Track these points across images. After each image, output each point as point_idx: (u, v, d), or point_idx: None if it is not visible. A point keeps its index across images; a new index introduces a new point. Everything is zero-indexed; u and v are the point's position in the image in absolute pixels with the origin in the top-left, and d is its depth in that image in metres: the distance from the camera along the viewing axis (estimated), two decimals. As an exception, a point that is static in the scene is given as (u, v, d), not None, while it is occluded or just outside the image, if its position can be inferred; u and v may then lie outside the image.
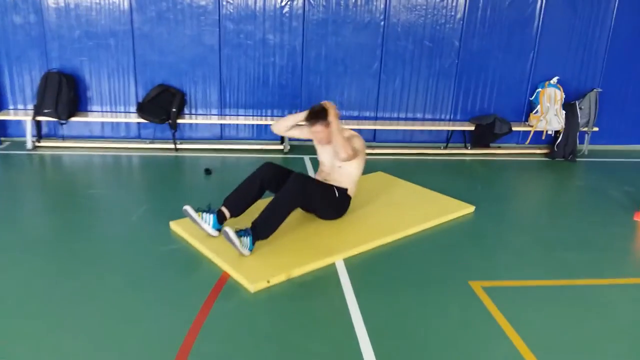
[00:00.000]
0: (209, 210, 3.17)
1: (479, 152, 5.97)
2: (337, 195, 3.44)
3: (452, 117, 6.09)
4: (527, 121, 6.15)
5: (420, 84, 5.88)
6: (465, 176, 5.13)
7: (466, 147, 6.01)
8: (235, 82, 5.54)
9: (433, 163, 5.58)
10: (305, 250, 3.08)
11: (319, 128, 3.37)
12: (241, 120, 5.49)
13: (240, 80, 5.54)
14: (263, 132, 5.78)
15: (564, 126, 5.86)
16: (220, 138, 5.72)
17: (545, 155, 6.11)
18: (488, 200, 4.32)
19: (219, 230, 3.17)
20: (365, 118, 5.90)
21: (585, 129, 6.06)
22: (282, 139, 5.70)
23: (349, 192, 3.55)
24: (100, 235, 3.30)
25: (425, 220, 3.68)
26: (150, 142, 5.43)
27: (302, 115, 3.47)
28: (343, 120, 5.72)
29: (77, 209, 3.72)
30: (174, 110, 5.18)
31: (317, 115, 3.33)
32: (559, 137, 5.91)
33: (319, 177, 3.63)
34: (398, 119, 5.96)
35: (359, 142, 3.44)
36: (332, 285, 2.82)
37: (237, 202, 3.28)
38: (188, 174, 4.77)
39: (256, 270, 2.82)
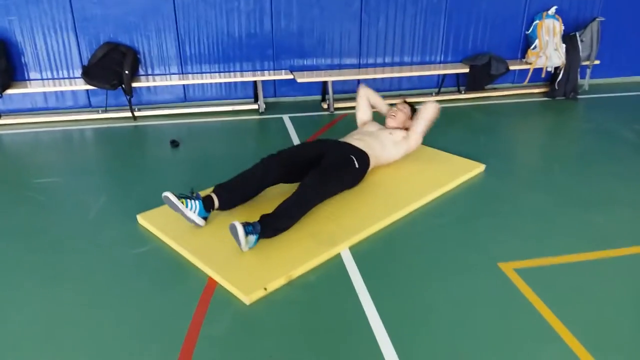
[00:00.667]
0: (193, 197, 2.67)
1: (473, 97, 5.52)
2: (356, 166, 3.09)
3: (442, 59, 5.56)
4: (524, 58, 5.69)
5: (406, 23, 5.29)
6: (463, 125, 4.69)
7: (460, 92, 5.54)
8: (195, 35, 4.84)
9: (426, 113, 5.09)
10: (303, 241, 2.63)
11: (405, 107, 3.67)
12: (206, 79, 4.83)
13: (201, 31, 4.84)
14: (233, 91, 5.15)
15: (564, 61, 5.42)
16: (184, 100, 5.08)
17: (544, 94, 5.71)
18: (494, 154, 3.92)
19: (206, 218, 2.69)
20: (347, 66, 5.31)
21: (587, 62, 5.64)
22: (255, 97, 5.10)
23: (370, 163, 3.24)
24: (52, 242, 2.75)
25: (436, 187, 3.25)
26: (104, 111, 4.76)
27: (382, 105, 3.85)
28: (320, 71, 5.14)
29: (20, 206, 3.13)
30: (126, 72, 4.49)
31: (410, 104, 3.73)
32: (559, 73, 5.48)
33: (344, 138, 3.36)
34: (384, 64, 5.40)
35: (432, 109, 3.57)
36: (341, 283, 2.40)
37: (231, 196, 2.80)
38: (151, 148, 4.18)
39: (249, 274, 2.36)
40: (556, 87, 5.49)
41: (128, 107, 4.72)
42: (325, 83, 5.12)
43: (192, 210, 2.63)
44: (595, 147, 4.18)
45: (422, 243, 2.75)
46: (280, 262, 2.45)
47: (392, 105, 3.80)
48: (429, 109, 3.48)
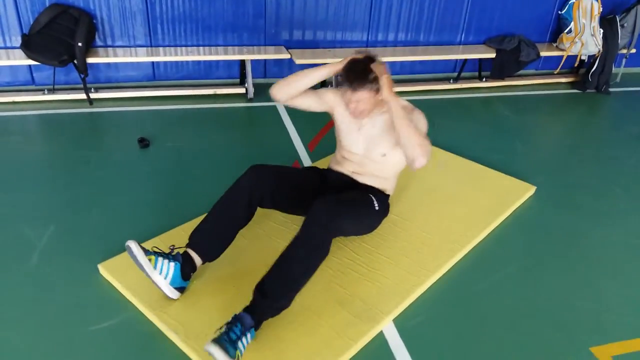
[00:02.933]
0: (169, 255, 1.96)
1: (495, 85, 4.91)
2: (376, 207, 2.28)
3: (463, 38, 4.89)
4: (554, 42, 5.08)
5: (424, -5, 4.57)
6: (491, 124, 4.09)
7: (480, 79, 4.91)
8: (169, -3, 3.99)
9: (441, 103, 4.47)
10: (332, 316, 1.99)
11: (364, 95, 2.14)
12: (181, 56, 4.01)
13: (176, -7, 4.00)
14: (214, 69, 4.36)
15: (601, 49, 4.85)
16: (153, 78, 4.26)
17: (571, 84, 5.16)
18: (539, 169, 3.37)
19: (183, 289, 1.99)
20: (353, 43, 4.58)
21: (624, 51, 5.09)
22: (241, 78, 4.33)
23: (389, 192, 2.44)
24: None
25: (485, 223, 2.66)
26: (50, 92, 3.90)
27: (328, 70, 2.26)
28: (322, 49, 4.41)
29: None
30: (79, 44, 3.63)
31: (362, 75, 2.10)
32: (593, 62, 4.91)
33: (336, 166, 2.45)
34: (395, 42, 4.69)
35: (423, 121, 2.24)
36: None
37: (212, 239, 2.09)
38: (113, 145, 3.38)
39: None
40: (589, 78, 4.93)
41: (82, 88, 3.87)
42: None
43: (163, 275, 1.92)
44: (652, 161, 3.67)
45: (483, 310, 2.15)
46: (305, 355, 1.81)
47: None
48: (386, 86, 2.09)
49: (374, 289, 2.13)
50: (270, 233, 2.40)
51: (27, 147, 3.28)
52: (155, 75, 4.24)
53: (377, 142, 2.29)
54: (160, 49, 4.07)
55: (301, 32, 4.40)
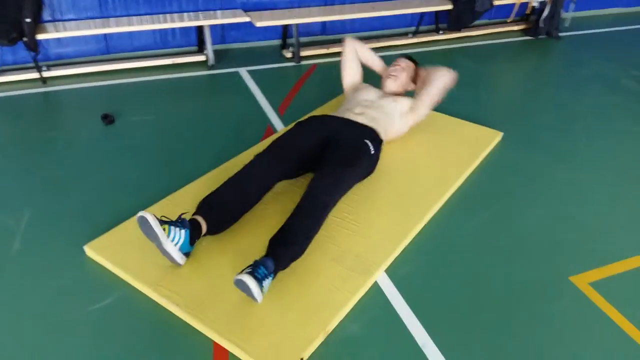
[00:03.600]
0: (178, 223, 1.95)
1: (452, 37, 4.96)
2: (372, 151, 2.47)
3: (417, -9, 4.88)
4: (506, -10, 5.15)
5: (379, -51, 4.51)
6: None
7: (438, 32, 4.94)
8: (116, -36, 3.78)
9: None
10: (328, 271, 2.04)
11: (408, 63, 3.05)
12: (136, 25, 3.84)
13: (123, -41, 3.79)
14: (170, 37, 4.21)
15: (551, -5, 4.95)
16: (106, 52, 4.08)
17: (524, 31, 5.27)
18: (503, 116, 3.51)
19: (188, 254, 1.99)
20: (310, 2, 4.50)
21: (572, -5, 5.22)
22: (199, 45, 4.21)
23: (382, 137, 2.66)
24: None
25: (461, 170, 2.75)
26: (-1, 73, 3.69)
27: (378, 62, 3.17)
28: (281, 10, 4.32)
29: None
30: (27, 20, 3.42)
31: (413, 59, 3.09)
32: (543, 9, 5.02)
33: (342, 113, 2.72)
34: (353, 0, 4.64)
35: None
36: (392, 328, 1.87)
37: (222, 215, 2.11)
38: (74, 124, 3.25)
39: (272, 338, 1.75)
40: (540, 24, 5.05)
41: (33, 66, 3.67)
42: (286, 26, 4.31)
43: (175, 242, 1.92)
44: (605, 101, 3.84)
45: (467, 253, 2.25)
46: (308, 311, 1.85)
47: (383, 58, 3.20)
48: (444, 78, 2.85)
49: (364, 243, 2.19)
50: (265, 200, 2.39)
51: (-16, 133, 3.11)
52: (109, 48, 4.05)
53: (392, 97, 2.85)
54: (112, 19, 3.89)
55: (257, -6, 4.29)
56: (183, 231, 1.93)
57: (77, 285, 1.99)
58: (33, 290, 1.96)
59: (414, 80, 3.04)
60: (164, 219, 1.95)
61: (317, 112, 3.24)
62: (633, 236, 2.42)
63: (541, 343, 1.84)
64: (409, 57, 3.11)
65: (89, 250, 2.11)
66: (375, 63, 3.14)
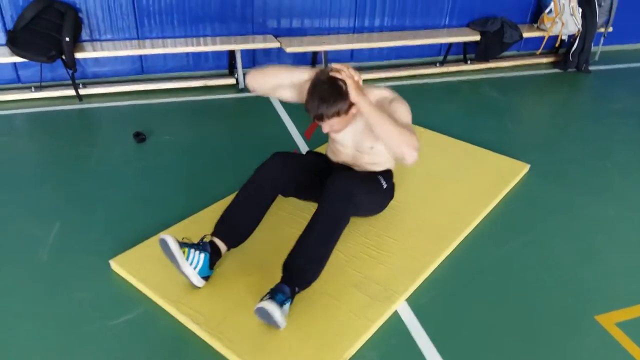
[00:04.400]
0: (199, 246, 1.97)
1: (479, 68, 4.97)
2: (384, 186, 2.33)
3: (447, 22, 4.92)
4: (534, 23, 5.15)
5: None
6: (480, 106, 4.14)
7: (465, 62, 4.96)
8: (155, -12, 3.92)
9: (430, 88, 4.51)
10: (348, 297, 2.03)
11: (333, 121, 2.06)
12: (170, 48, 3.96)
13: (162, -16, 3.92)
14: (202, 60, 4.31)
15: (580, 29, 4.94)
16: (141, 72, 4.20)
17: (553, 64, 5.25)
18: (531, 148, 3.46)
19: (207, 278, 2.01)
20: (340, 30, 4.58)
21: (602, 29, 5.18)
22: (230, 69, 4.30)
23: (391, 169, 2.46)
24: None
25: (486, 201, 2.72)
26: (38, 89, 3.82)
27: (300, 74, 2.13)
28: (311, 36, 4.39)
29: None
30: (67, 39, 3.56)
31: (328, 102, 1.98)
32: (573, 42, 5.00)
33: (333, 156, 2.46)
34: (382, 27, 4.70)
35: (405, 109, 2.15)
36: (410, 357, 1.84)
37: (236, 226, 2.11)
38: (108, 140, 3.34)
39: (291, 362, 1.74)
40: (570, 57, 5.02)
41: (70, 83, 3.80)
42: (315, 52, 4.38)
43: (194, 266, 1.93)
44: (635, 136, 3.77)
45: (490, 285, 2.21)
46: (327, 337, 1.84)
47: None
48: (358, 98, 2.00)
49: (386, 270, 2.17)
50: (281, 221, 2.41)
51: (21, 146, 3.22)
52: (144, 68, 4.18)
53: (363, 136, 2.23)
54: (148, 41, 4.01)
55: (289, 20, 4.37)
56: (202, 255, 1.95)
57: (101, 299, 2.02)
58: (58, 302, 2.00)
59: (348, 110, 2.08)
60: (185, 240, 1.97)
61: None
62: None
63: (565, 382, 1.79)
64: (319, 115, 2.05)
65: (115, 264, 2.15)
66: (285, 94, 2.25)
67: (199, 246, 1.96)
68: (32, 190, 2.71)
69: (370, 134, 2.17)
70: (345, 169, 2.36)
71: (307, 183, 2.26)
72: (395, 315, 2.02)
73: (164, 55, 4.15)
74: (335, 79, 2.00)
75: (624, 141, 3.68)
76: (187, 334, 1.88)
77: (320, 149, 2.97)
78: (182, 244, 1.93)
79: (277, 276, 1.96)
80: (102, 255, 2.21)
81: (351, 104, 2.03)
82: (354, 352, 1.83)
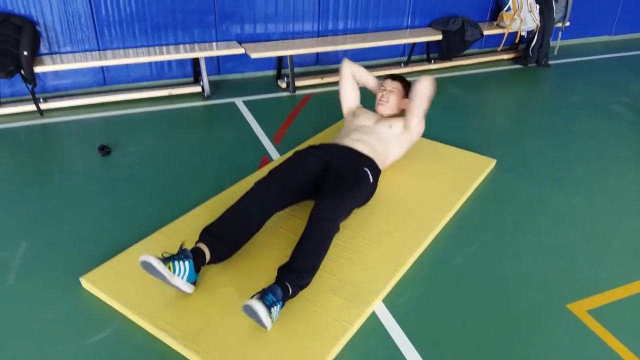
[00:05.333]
0: (180, 256, 1.95)
1: (443, 67, 5.05)
2: (371, 180, 2.51)
3: (409, 22, 4.99)
4: (495, 21, 5.27)
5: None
6: (445, 104, 4.21)
7: (429, 61, 5.03)
8: (114, -2, 3.85)
9: (397, 88, 4.54)
10: (326, 301, 2.03)
11: (396, 84, 3.03)
12: (132, 58, 3.89)
13: (121, -7, 3.85)
14: (166, 69, 4.26)
15: (539, 24, 5.07)
16: (103, 83, 4.12)
17: (514, 60, 5.38)
18: (495, 143, 3.54)
19: (195, 282, 2.00)
20: (304, 33, 4.58)
21: (559, 24, 5.34)
22: (195, 76, 4.26)
23: (380, 167, 2.70)
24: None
25: (456, 198, 2.76)
26: (-5, 105, 3.70)
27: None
28: (275, 41, 4.39)
29: None
30: (25, 53, 3.46)
31: (400, 77, 3.10)
32: (532, 38, 5.14)
33: (340, 140, 2.76)
34: (346, 30, 4.74)
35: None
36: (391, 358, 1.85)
37: (224, 244, 2.11)
38: (72, 156, 3.26)
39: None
40: (530, 53, 5.15)
41: (30, 99, 3.70)
42: (280, 57, 4.38)
43: (181, 275, 1.91)
44: (595, 127, 3.90)
45: (464, 281, 2.25)
46: (306, 342, 1.84)
47: (379, 78, 3.22)
48: (425, 86, 2.81)
49: (361, 272, 2.18)
50: (266, 230, 2.38)
51: (-20, 165, 3.11)
52: (106, 79, 4.10)
53: (387, 121, 2.87)
54: (109, 52, 3.94)
55: (252, 26, 4.36)
56: (187, 262, 1.92)
57: (73, 318, 1.97)
58: (28, 324, 1.94)
59: (405, 97, 3.01)
60: (165, 255, 1.95)
61: (312, 141, 3.27)
62: (629, 262, 2.43)
63: (540, 372, 1.83)
64: (395, 76, 3.11)
65: (85, 282, 2.10)
66: (370, 83, 3.18)
67: (181, 256, 1.93)
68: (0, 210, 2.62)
69: (392, 121, 2.89)
70: (341, 156, 2.55)
71: (295, 195, 2.42)
72: (373, 317, 2.04)
73: (127, 66, 4.08)
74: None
75: (584, 132, 3.79)
76: (164, 348, 1.85)
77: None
78: (165, 260, 1.89)
79: (251, 287, 1.95)
80: (71, 273, 2.16)
81: (406, 95, 2.98)
82: (334, 356, 1.84)
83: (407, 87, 3.02)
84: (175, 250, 2.03)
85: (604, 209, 2.84)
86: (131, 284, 2.05)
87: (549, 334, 1.99)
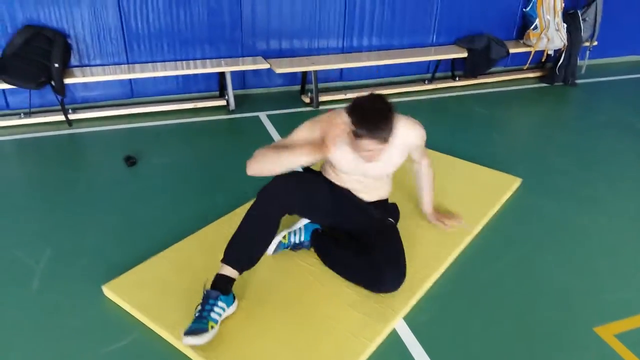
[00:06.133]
0: (208, 301, 1.88)
1: (467, 84, 5.03)
2: (394, 217, 2.40)
3: (434, 40, 4.99)
4: (520, 39, 5.24)
5: (396, -1, 4.65)
6: (467, 120, 4.18)
7: (454, 79, 5.02)
8: (144, 12, 3.94)
9: (418, 104, 4.55)
10: (346, 319, 2.01)
11: (373, 145, 1.92)
12: (160, 71, 3.98)
13: (150, 7, 3.94)
14: (192, 82, 4.33)
15: (566, 43, 5.03)
16: (131, 96, 4.21)
17: (540, 79, 5.32)
18: (521, 161, 3.49)
19: (233, 301, 2.00)
20: (329, 50, 4.63)
21: (587, 44, 5.28)
22: (220, 90, 4.33)
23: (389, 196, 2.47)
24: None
25: (480, 215, 2.72)
26: (27, 115, 3.80)
27: (312, 157, 1.95)
28: (300, 57, 4.43)
29: None
30: (56, 65, 3.56)
31: (382, 125, 1.86)
32: (559, 57, 5.09)
33: (335, 180, 2.29)
34: (370, 47, 4.76)
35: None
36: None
37: (247, 250, 2.05)
38: (98, 165, 3.32)
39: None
40: (556, 71, 5.10)
41: (59, 109, 3.80)
42: (305, 72, 4.42)
43: (222, 317, 1.91)
44: (621, 147, 3.81)
45: (487, 300, 2.21)
46: (326, 357, 1.82)
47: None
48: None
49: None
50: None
51: (10, 173, 3.20)
52: (134, 92, 4.18)
53: (384, 167, 2.22)
54: (137, 65, 4.03)
55: (278, 42, 4.42)
56: (221, 305, 1.88)
57: (95, 326, 1.99)
58: (50, 330, 1.97)
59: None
60: (198, 313, 1.85)
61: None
62: (658, 286, 2.36)
63: (566, 397, 1.78)
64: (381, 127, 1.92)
65: (107, 290, 2.12)
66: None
67: (208, 301, 1.87)
68: (21, 217, 2.68)
69: (389, 167, 2.24)
70: (350, 202, 2.29)
71: (311, 204, 2.19)
72: (394, 334, 2.01)
73: (154, 79, 4.17)
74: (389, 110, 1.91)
75: (609, 151, 3.72)
76: (183, 358, 1.85)
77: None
78: (204, 324, 1.80)
79: (268, 298, 1.94)
80: (94, 281, 2.19)
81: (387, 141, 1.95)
82: (353, 374, 1.81)
83: (389, 129, 1.90)
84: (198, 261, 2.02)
85: (628, 229, 2.77)
86: (152, 293, 2.07)
87: (575, 358, 1.94)
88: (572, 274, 2.40)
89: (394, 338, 1.99)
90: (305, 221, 2.36)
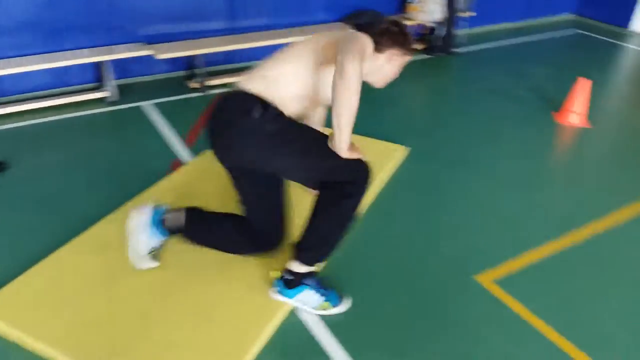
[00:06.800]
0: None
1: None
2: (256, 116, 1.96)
3: (320, 18, 5.03)
4: (402, 13, 5.42)
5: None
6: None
7: (343, 55, 5.09)
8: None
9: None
10: (234, 294, 2.00)
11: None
12: (30, 65, 3.66)
13: (9, -4, 3.60)
14: (70, 75, 4.04)
15: (444, 15, 5.27)
16: (-1, 95, 3.85)
17: (423, 50, 5.55)
18: (408, 132, 3.62)
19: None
20: (213, 32, 4.50)
21: (465, 14, 5.57)
22: (100, 82, 4.08)
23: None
24: None
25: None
26: None
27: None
28: (183, 41, 4.29)
29: None
30: None
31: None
32: (439, 28, 5.33)
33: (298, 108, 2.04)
34: (258, 28, 4.70)
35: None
36: (311, 354, 1.86)
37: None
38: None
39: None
40: (437, 42, 5.35)
41: None
42: (191, 56, 4.27)
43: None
44: (502, 112, 4.09)
45: (380, 268, 2.31)
46: (219, 341, 1.81)
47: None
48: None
49: (267, 260, 2.17)
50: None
51: None
52: (1, 90, 3.83)
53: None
54: (3, 61, 3.68)
55: (157, 25, 4.23)
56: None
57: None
58: None
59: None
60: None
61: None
62: (530, 231, 2.59)
63: (454, 345, 1.91)
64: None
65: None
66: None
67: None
68: None
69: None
70: None
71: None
72: (292, 314, 2.03)
73: (23, 74, 3.82)
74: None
75: (490, 117, 3.98)
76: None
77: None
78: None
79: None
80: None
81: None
82: (255, 355, 1.82)
83: None
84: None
85: (507, 186, 3.01)
86: (32, 309, 1.93)
87: (460, 306, 2.10)
88: (450, 233, 2.57)
89: (292, 317, 2.02)
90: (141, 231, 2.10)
